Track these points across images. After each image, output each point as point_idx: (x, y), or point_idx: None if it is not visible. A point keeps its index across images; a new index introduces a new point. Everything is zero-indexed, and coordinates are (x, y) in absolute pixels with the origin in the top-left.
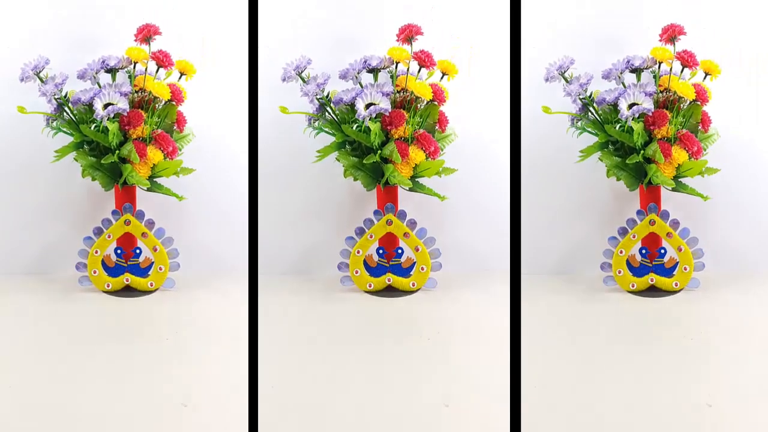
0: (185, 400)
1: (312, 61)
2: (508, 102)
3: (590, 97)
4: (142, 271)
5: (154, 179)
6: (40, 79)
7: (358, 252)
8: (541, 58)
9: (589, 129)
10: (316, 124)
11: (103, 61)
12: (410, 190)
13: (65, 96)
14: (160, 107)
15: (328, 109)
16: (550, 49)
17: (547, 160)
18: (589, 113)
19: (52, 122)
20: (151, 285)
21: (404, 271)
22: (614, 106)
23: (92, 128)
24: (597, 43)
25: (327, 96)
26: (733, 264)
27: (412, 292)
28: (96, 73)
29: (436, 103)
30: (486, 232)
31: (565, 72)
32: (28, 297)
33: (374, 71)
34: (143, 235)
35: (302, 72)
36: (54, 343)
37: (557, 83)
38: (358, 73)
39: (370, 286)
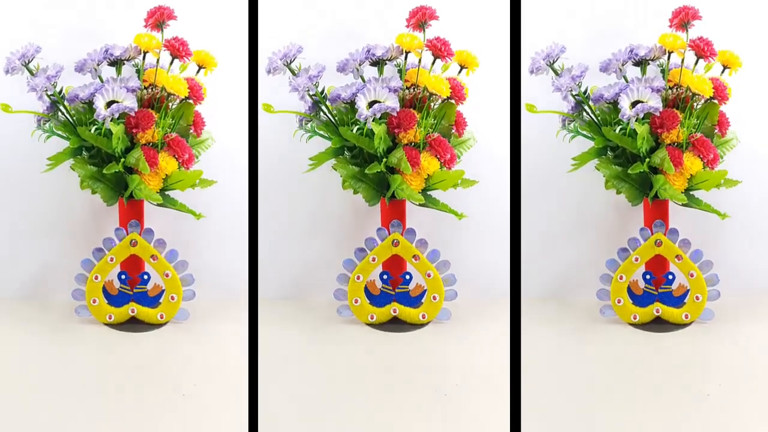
0: None
1: (303, 48)
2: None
3: (585, 93)
4: (151, 301)
5: (167, 192)
6: (30, 71)
7: (359, 277)
8: (530, 46)
9: (584, 132)
10: (309, 125)
11: (107, 51)
12: (421, 205)
13: (60, 92)
14: (174, 106)
15: (324, 107)
16: (540, 35)
17: (537, 168)
18: (584, 113)
19: (44, 123)
20: (161, 317)
21: (413, 301)
22: (614, 105)
23: (92, 131)
24: (594, 28)
25: (322, 92)
26: (753, 293)
27: (421, 325)
28: (98, 64)
29: (453, 101)
30: (507, 254)
31: (554, 62)
32: (16, 329)
33: (379, 63)
34: (152, 257)
35: (291, 62)
36: (42, 387)
37: (545, 75)
38: (360, 64)
39: (372, 317)
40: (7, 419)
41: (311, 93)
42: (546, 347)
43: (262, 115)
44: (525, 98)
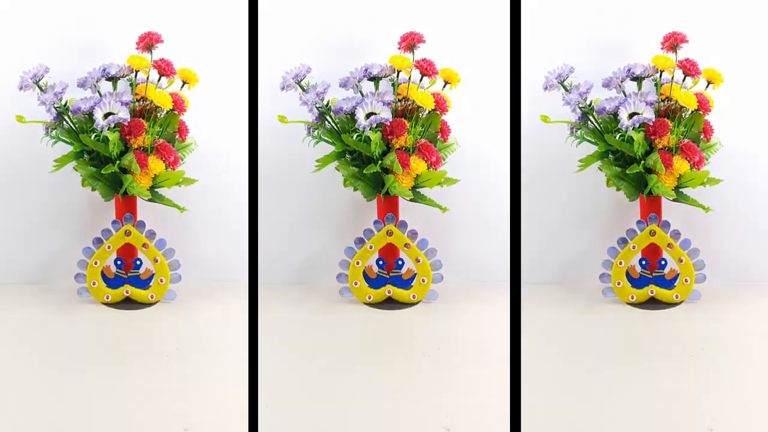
0: (186, 423)
1: (312, 69)
2: (507, 110)
3: (590, 105)
4: (143, 283)
5: (156, 190)
6: (40, 88)
7: (358, 263)
8: (541, 65)
9: (589, 138)
10: (316, 133)
11: (104, 70)
12: (411, 200)
13: (65, 105)
14: (162, 116)
15: (328, 118)
16: (550, 56)
17: (546, 169)
18: (589, 122)
19: (51, 131)
20: (152, 297)
21: (405, 283)
22: (614, 115)
23: (92, 138)
24: (597, 50)
25: (327, 105)
26: (734, 276)
27: (412, 304)
28: (96, 81)
29: (438, 112)
30: (488, 243)
31: (564, 80)
32: (26, 308)
33: (375, 80)
34: (144, 246)
35: (301, 80)
36: (50, 357)
37: (556, 92)
38: (359, 81)
39: (369, 297)
40: (17, 386)
41: (318, 106)
42: (550, 322)
43: (278, 125)
44: (524, 107)
